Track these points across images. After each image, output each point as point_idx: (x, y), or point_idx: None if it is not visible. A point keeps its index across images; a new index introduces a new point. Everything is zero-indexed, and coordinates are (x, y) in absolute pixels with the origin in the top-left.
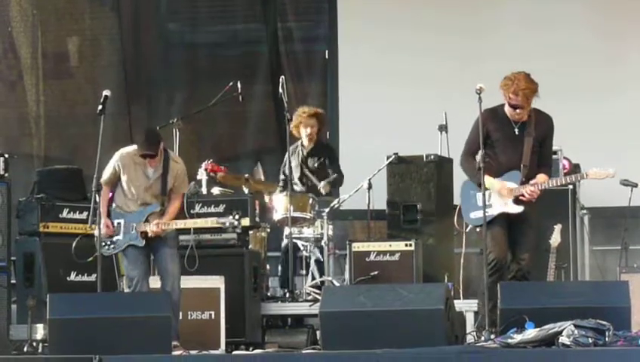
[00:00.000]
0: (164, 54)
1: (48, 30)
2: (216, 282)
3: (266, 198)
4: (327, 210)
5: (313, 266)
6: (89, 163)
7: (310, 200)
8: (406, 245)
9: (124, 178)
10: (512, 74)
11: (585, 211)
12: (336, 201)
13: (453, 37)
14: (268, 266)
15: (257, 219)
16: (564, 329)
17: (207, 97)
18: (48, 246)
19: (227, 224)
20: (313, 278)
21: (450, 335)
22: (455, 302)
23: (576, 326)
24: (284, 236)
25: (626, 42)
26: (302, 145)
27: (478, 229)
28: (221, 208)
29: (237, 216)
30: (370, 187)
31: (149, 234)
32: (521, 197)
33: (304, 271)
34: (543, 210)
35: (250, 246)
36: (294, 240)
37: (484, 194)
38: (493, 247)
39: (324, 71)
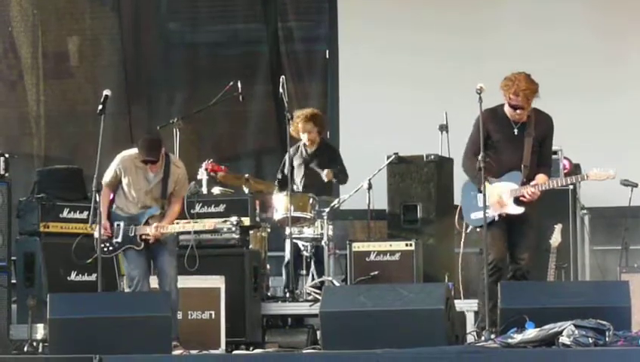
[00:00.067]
0: (165, 54)
1: (49, 30)
2: (217, 282)
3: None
4: (327, 209)
5: (313, 266)
6: (89, 163)
7: (310, 200)
8: (406, 245)
9: (124, 181)
10: (512, 74)
11: (585, 211)
12: (336, 201)
13: (454, 37)
14: (268, 266)
15: (257, 218)
16: (564, 329)
17: (207, 97)
18: (49, 246)
19: (225, 229)
20: (314, 278)
21: (451, 335)
22: (455, 301)
23: (576, 326)
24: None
25: (627, 42)
26: (304, 145)
27: (478, 230)
28: (221, 208)
29: (235, 221)
30: (370, 187)
31: (149, 238)
32: (521, 198)
33: (304, 271)
34: (543, 210)
35: (250, 246)
36: (295, 241)
37: (484, 195)
38: (491, 248)
39: (325, 71)
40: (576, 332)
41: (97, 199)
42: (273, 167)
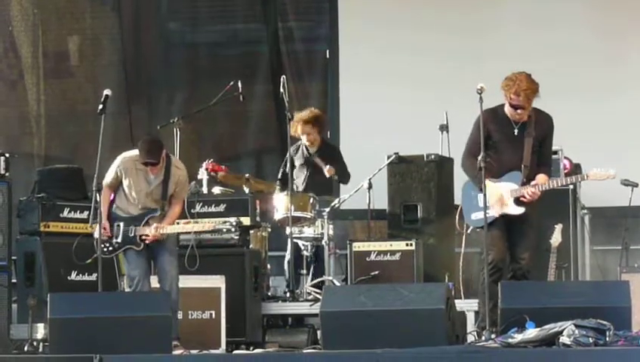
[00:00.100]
0: (165, 54)
1: (49, 29)
2: (217, 281)
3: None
4: (327, 209)
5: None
6: (89, 162)
7: (311, 200)
8: (407, 245)
9: (125, 182)
10: (513, 74)
11: (585, 211)
12: (336, 201)
13: (454, 37)
14: (269, 266)
15: (258, 218)
16: (564, 328)
17: (207, 97)
18: (49, 245)
19: (224, 230)
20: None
21: (451, 334)
22: (456, 301)
23: (576, 325)
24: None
25: (627, 42)
26: (305, 145)
27: (478, 230)
28: (222, 208)
29: (234, 222)
30: (370, 187)
31: (148, 239)
32: (522, 198)
33: (305, 271)
34: (543, 210)
35: (250, 246)
36: (295, 240)
37: (484, 195)
38: (492, 248)
39: (325, 71)
40: (577, 332)
41: (97, 199)
42: (273, 166)
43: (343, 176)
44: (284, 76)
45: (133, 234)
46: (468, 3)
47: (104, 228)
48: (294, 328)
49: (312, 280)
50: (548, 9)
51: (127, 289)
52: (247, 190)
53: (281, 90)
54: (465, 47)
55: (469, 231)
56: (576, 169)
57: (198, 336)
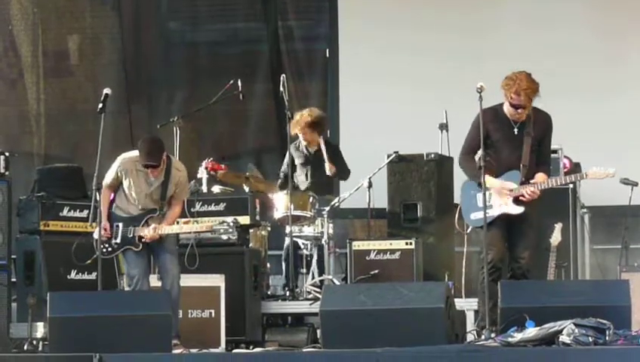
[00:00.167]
0: (165, 53)
1: (49, 28)
2: (217, 280)
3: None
4: (327, 208)
5: (315, 265)
6: (89, 161)
7: (310, 199)
8: (406, 244)
9: (125, 183)
10: (513, 74)
11: (585, 210)
12: (336, 200)
13: (454, 36)
14: (268, 265)
15: (257, 217)
16: (564, 328)
17: (207, 96)
18: (49, 244)
19: (222, 231)
20: (314, 277)
21: (451, 333)
22: (456, 300)
23: (576, 324)
24: (285, 236)
25: (627, 41)
26: (305, 145)
27: (478, 229)
28: (221, 206)
29: (231, 223)
30: (370, 186)
31: (147, 239)
32: (521, 198)
33: (305, 270)
34: (543, 209)
35: (250, 245)
36: (295, 239)
37: (484, 194)
38: (491, 248)
39: (325, 70)
40: (577, 331)
41: (97, 198)
42: (273, 165)
43: (343, 171)
44: (284, 75)
45: (132, 235)
46: (468, 3)
47: (104, 229)
48: (294, 327)
49: (312, 279)
50: (548, 9)
51: (126, 288)
52: (246, 189)
53: (281, 89)
54: (465, 46)
55: (468, 231)
56: (575, 168)
57: (198, 335)
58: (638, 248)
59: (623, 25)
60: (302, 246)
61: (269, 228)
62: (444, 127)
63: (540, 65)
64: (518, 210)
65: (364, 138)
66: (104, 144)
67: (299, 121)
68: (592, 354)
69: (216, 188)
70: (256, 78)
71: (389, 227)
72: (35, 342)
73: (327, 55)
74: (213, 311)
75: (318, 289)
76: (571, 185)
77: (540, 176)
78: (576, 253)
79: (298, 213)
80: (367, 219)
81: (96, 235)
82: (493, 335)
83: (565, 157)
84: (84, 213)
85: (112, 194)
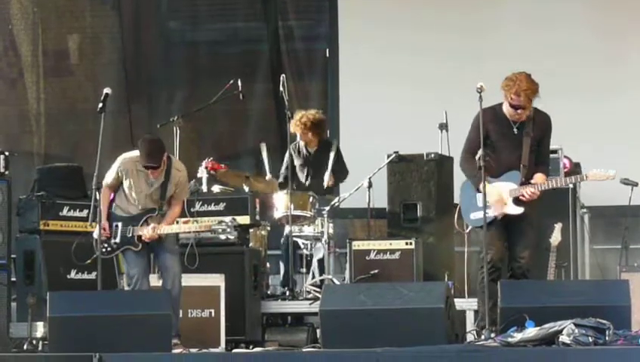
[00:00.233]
0: (165, 52)
1: (49, 28)
2: (217, 280)
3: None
4: (327, 208)
5: (315, 264)
6: (89, 161)
7: (310, 199)
8: (406, 243)
9: (125, 183)
10: (513, 74)
11: (585, 210)
12: (336, 200)
13: (454, 36)
14: (268, 264)
15: (257, 217)
16: (564, 328)
17: (207, 95)
18: (48, 244)
19: (220, 231)
20: (314, 277)
21: (451, 333)
22: (455, 300)
23: (576, 325)
24: (284, 233)
25: (627, 41)
26: (305, 145)
27: (477, 229)
28: (221, 206)
29: (229, 222)
30: (370, 185)
31: (145, 238)
32: (521, 197)
33: (304, 270)
34: (543, 209)
35: (250, 245)
36: (295, 238)
37: (484, 195)
38: (490, 248)
39: (325, 69)
40: (576, 331)
41: (97, 197)
42: (273, 165)
43: (341, 175)
44: (284, 75)
45: (131, 235)
46: (468, 3)
47: (103, 229)
48: (294, 327)
49: (311, 278)
50: (548, 9)
51: (126, 288)
52: (246, 189)
53: (281, 88)
54: (465, 46)
55: (467, 231)
56: (575, 168)
57: (198, 335)
58: (638, 248)
59: (623, 25)
60: (302, 246)
61: (268, 228)
62: (444, 127)
63: (539, 65)
64: (518, 210)
65: (364, 138)
66: (104, 144)
67: (299, 121)
68: (591, 354)
69: (216, 188)
70: (256, 78)
71: (389, 227)
72: (34, 342)
73: (327, 55)
74: (213, 311)
75: (317, 289)
76: (571, 186)
77: (539, 177)
78: (576, 253)
79: (298, 212)
80: (367, 218)
81: (95, 235)
82: (493, 335)
83: (565, 157)
84: (84, 213)
85: (112, 194)
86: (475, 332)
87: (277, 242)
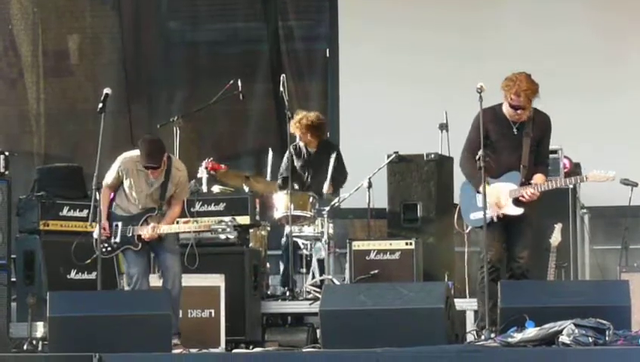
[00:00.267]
0: (165, 53)
1: (49, 28)
2: (217, 280)
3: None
4: (327, 208)
5: (315, 265)
6: (89, 161)
7: (310, 199)
8: (406, 244)
9: (126, 183)
10: (512, 74)
11: (585, 210)
12: (336, 200)
13: (454, 36)
14: (268, 264)
15: (257, 217)
16: (564, 328)
17: (207, 95)
18: (48, 244)
19: (220, 230)
20: (314, 277)
21: (451, 334)
22: (455, 300)
23: (576, 325)
24: (284, 234)
25: (627, 41)
26: (305, 145)
27: (477, 229)
28: (221, 206)
29: (229, 222)
30: (370, 186)
31: (145, 238)
32: (521, 198)
33: (304, 270)
34: (543, 209)
35: (250, 245)
36: (295, 239)
37: (484, 195)
38: (489, 248)
39: (325, 70)
40: (576, 331)
41: (97, 197)
42: (273, 165)
43: (340, 180)
44: (284, 75)
45: (131, 234)
46: (468, 2)
47: (104, 229)
48: (294, 327)
49: (312, 279)
50: (548, 8)
51: (126, 288)
52: (246, 189)
53: (281, 88)
54: (465, 46)
55: (467, 231)
56: (575, 168)
57: (198, 335)
58: (638, 248)
59: (623, 25)
60: (302, 246)
61: (268, 228)
62: (444, 127)
63: (540, 64)
64: (517, 211)
65: (364, 138)
66: (104, 144)
67: (298, 123)
68: (591, 354)
69: (216, 188)
70: (256, 78)
71: (389, 227)
72: (34, 342)
73: (328, 55)
74: (213, 311)
75: (317, 289)
76: (571, 186)
77: (538, 177)
78: (576, 253)
79: (298, 212)
80: (367, 219)
81: (95, 235)
82: (493, 335)
83: (565, 157)
84: (84, 213)
85: (112, 194)
86: (475, 332)
87: (277, 242)
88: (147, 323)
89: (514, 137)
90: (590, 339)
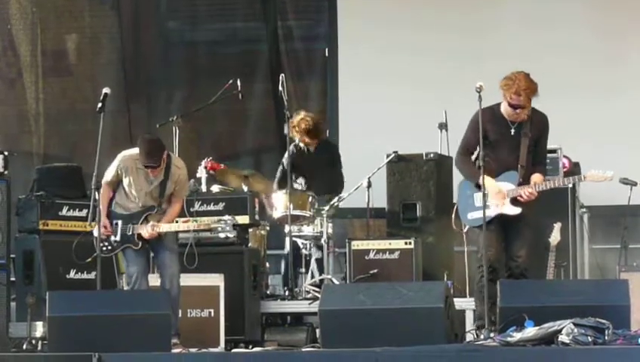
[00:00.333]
0: (164, 52)
1: (48, 28)
2: (216, 280)
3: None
4: (326, 208)
5: (313, 264)
6: (88, 160)
7: (310, 199)
8: (405, 243)
9: (125, 181)
10: (512, 74)
11: (584, 209)
12: (335, 200)
13: (453, 36)
14: (267, 264)
15: (257, 217)
16: (563, 327)
17: (206, 95)
18: (48, 243)
19: (219, 228)
20: (313, 276)
21: (450, 333)
22: (455, 300)
23: (575, 324)
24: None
25: (627, 41)
26: (305, 145)
27: (476, 230)
28: (220, 206)
29: (228, 221)
30: (369, 185)
31: (146, 236)
32: (519, 198)
33: (303, 269)
34: (542, 209)
35: (249, 244)
36: (294, 239)
37: (484, 194)
38: (488, 248)
39: (324, 69)
40: (576, 330)
41: (97, 197)
42: (272, 165)
43: (337, 187)
44: (283, 75)
45: (131, 233)
46: (468, 2)
47: (104, 227)
48: (293, 326)
49: (311, 278)
50: (548, 9)
51: (125, 288)
52: (245, 188)
53: (280, 88)
54: (465, 46)
55: (465, 230)
56: (575, 168)
57: (197, 335)
58: (637, 248)
59: (623, 25)
60: (301, 246)
61: (268, 228)
62: (443, 126)
63: (539, 64)
64: (516, 210)
65: (363, 138)
66: (103, 143)
67: (296, 126)
68: (591, 353)
69: (215, 188)
70: (255, 78)
71: (388, 227)
72: (34, 342)
73: (327, 55)
74: (212, 311)
75: (317, 289)
76: (570, 185)
77: (536, 177)
78: (575, 252)
79: (297, 212)
80: (366, 218)
81: (95, 233)
82: (492, 334)
83: (565, 156)
84: (84, 213)
85: (112, 193)
86: (474, 331)
87: (276, 242)
88: (147, 323)
89: (512, 137)
90: (589, 339)
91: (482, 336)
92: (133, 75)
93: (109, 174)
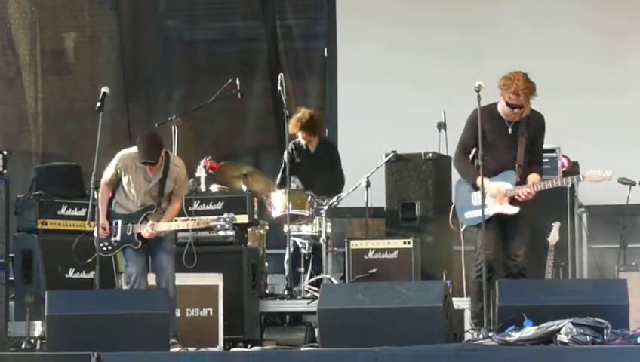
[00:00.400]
0: (163, 51)
1: (47, 27)
2: (215, 279)
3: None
4: (325, 207)
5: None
6: (87, 160)
7: (309, 198)
8: (404, 243)
9: (124, 180)
10: (510, 73)
11: (583, 209)
12: (335, 199)
13: (453, 35)
14: (266, 263)
15: (256, 216)
16: (562, 327)
17: (205, 94)
18: (46, 243)
19: (219, 227)
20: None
21: (449, 332)
22: (454, 299)
23: (574, 324)
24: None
25: (627, 41)
26: (305, 144)
27: (474, 229)
28: (219, 205)
29: (227, 219)
30: (368, 185)
31: (145, 236)
32: (517, 197)
33: (302, 269)
34: (541, 208)
35: (248, 244)
36: (293, 238)
37: (482, 194)
38: (486, 248)
39: (323, 68)
40: (574, 330)
41: (95, 196)
42: (272, 164)
43: (338, 186)
44: (282, 74)
45: (131, 233)
46: (467, 1)
47: (103, 228)
48: (292, 326)
49: (309, 278)
50: (548, 7)
51: (124, 287)
52: (244, 188)
53: (279, 87)
54: (464, 45)
55: (462, 230)
56: (574, 167)
57: (196, 334)
58: (636, 247)
59: (623, 24)
60: (300, 246)
61: (267, 227)
62: (442, 126)
63: (539, 63)
64: (514, 210)
65: (362, 137)
66: (102, 142)
67: (296, 123)
68: (589, 353)
69: (214, 187)
70: (254, 77)
71: (387, 226)
72: (32, 341)
73: (326, 54)
74: (211, 310)
75: (316, 288)
76: (569, 185)
77: (534, 177)
78: (574, 252)
79: (296, 212)
80: (365, 218)
81: (95, 233)
82: (491, 334)
83: (563, 156)
84: (82, 212)
85: (111, 192)
86: (473, 331)
87: (275, 241)
88: (145, 322)
89: (509, 137)
90: (588, 338)
91: (481, 336)
92: (132, 74)
93: (107, 173)
